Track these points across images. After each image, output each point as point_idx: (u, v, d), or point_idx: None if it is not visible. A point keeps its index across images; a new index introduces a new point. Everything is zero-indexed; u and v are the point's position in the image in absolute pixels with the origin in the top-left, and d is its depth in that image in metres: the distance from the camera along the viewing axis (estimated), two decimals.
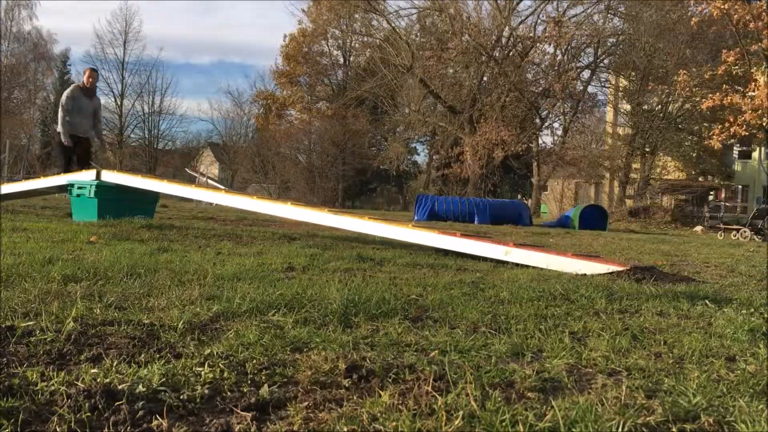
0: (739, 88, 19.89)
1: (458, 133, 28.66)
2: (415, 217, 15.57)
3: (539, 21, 27.83)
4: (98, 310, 2.00)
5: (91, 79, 8.36)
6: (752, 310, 2.59)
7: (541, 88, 28.80)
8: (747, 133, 19.80)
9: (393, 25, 30.04)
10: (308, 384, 1.42)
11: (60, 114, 8.06)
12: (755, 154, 32.13)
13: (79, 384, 1.33)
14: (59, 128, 8.04)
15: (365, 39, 34.41)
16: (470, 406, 1.26)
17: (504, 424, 1.19)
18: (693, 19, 21.40)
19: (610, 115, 33.29)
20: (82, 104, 8.21)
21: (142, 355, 1.56)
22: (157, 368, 1.43)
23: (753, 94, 18.84)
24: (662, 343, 1.96)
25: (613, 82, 30.99)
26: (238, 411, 1.26)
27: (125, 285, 2.51)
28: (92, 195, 6.09)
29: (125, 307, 2.11)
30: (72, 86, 8.45)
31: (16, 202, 8.23)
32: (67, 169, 7.72)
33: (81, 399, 1.24)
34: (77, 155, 8.16)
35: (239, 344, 1.68)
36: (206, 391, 1.34)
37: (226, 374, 1.44)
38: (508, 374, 1.52)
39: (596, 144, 33.49)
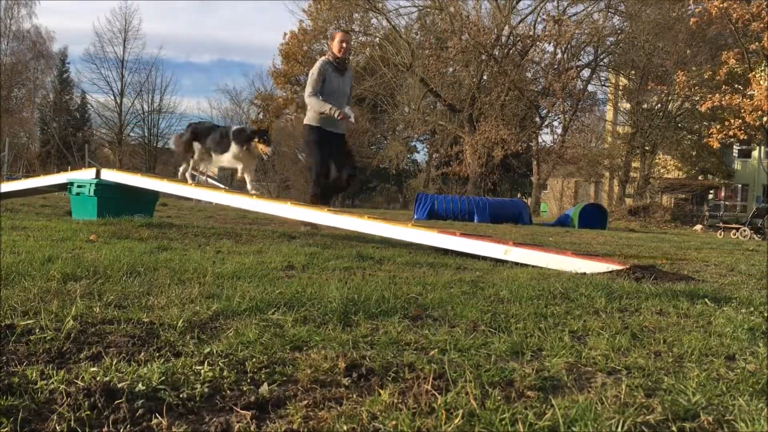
0: (739, 87, 19.91)
1: (458, 131, 28.68)
2: (415, 216, 15.57)
3: (539, 19, 27.90)
4: (98, 309, 2.00)
5: (344, 45, 5.97)
6: (752, 308, 2.59)
7: (540, 87, 28.83)
8: (746, 136, 19.84)
9: (393, 23, 30.08)
10: (308, 383, 1.42)
11: (308, 101, 5.93)
12: (755, 153, 32.17)
13: (78, 382, 1.32)
14: (309, 112, 5.92)
15: (365, 39, 34.40)
16: (470, 405, 1.26)
17: (503, 422, 1.19)
18: (692, 19, 21.42)
19: (609, 114, 33.33)
20: (333, 84, 5.90)
21: (142, 354, 1.56)
22: (157, 367, 1.43)
23: (753, 93, 18.86)
24: (662, 341, 1.96)
25: (613, 81, 31.05)
26: (238, 409, 1.26)
27: (125, 283, 2.50)
28: (92, 193, 6.08)
29: (125, 306, 2.10)
30: (320, 61, 6.01)
31: (15, 201, 8.23)
32: (321, 179, 5.84)
33: (80, 397, 1.24)
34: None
35: (239, 343, 1.68)
36: (206, 390, 1.34)
37: (225, 373, 1.44)
38: (507, 373, 1.51)
39: (596, 143, 33.54)
